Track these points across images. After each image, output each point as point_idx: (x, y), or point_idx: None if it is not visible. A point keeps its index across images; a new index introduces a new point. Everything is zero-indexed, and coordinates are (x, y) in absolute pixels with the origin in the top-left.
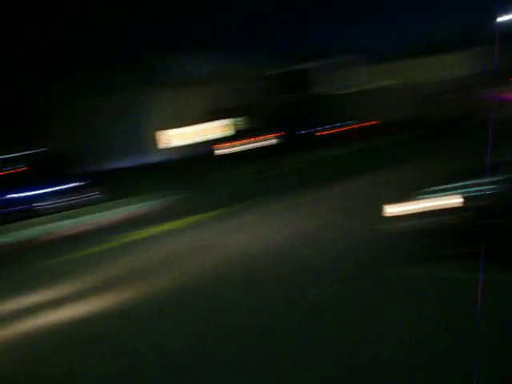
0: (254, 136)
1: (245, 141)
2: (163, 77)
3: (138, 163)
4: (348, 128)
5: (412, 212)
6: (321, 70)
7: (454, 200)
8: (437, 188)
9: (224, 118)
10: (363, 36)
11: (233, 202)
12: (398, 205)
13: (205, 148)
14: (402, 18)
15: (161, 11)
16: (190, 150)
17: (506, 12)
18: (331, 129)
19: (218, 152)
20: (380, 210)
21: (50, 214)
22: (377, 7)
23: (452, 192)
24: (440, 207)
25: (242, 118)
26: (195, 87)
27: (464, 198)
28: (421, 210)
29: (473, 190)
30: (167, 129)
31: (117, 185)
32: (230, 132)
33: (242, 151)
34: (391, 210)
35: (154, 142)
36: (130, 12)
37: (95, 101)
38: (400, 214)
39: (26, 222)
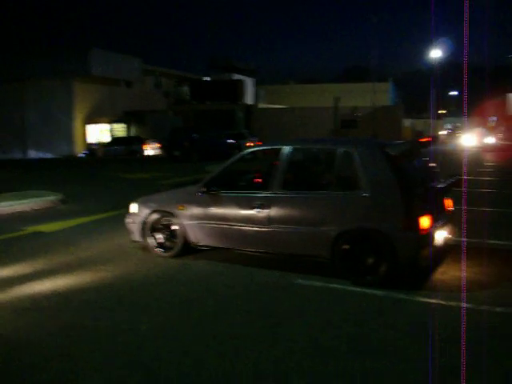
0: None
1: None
2: (84, 70)
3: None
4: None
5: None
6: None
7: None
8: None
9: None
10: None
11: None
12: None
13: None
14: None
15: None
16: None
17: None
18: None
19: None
20: None
21: None
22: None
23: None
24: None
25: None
26: (116, 86)
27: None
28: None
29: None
30: (82, 123)
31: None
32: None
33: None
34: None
35: (66, 135)
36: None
37: (10, 86)
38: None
39: None
